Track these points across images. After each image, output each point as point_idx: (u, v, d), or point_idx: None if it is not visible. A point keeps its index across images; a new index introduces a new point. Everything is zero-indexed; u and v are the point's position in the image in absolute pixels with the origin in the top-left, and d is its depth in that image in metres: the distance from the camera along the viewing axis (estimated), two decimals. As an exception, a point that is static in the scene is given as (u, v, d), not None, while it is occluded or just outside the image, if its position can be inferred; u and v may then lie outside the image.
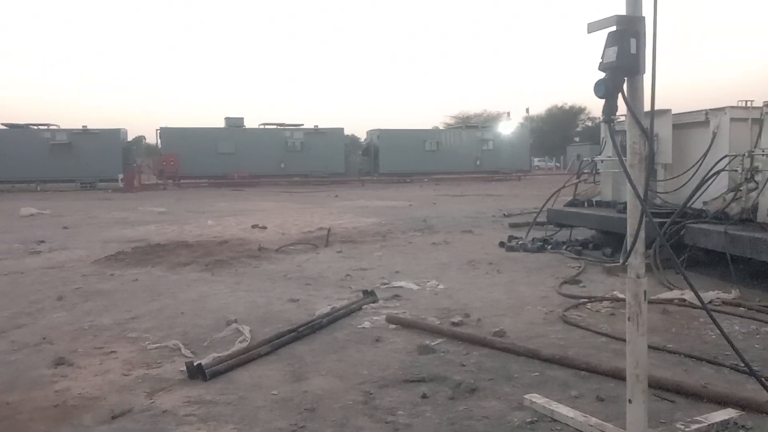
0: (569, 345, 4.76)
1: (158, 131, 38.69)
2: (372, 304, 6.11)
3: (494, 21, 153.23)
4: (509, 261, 8.74)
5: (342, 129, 43.36)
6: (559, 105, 76.28)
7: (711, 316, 2.82)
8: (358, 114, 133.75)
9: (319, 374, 4.24)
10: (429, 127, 53.01)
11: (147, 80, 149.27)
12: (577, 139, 66.37)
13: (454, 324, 5.37)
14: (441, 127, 56.44)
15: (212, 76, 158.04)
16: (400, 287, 6.97)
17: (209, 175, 38.05)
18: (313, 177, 39.48)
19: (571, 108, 74.45)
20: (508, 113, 52.47)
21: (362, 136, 54.48)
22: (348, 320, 5.59)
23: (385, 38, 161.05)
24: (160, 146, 39.16)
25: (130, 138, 42.09)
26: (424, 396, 3.77)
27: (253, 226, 13.42)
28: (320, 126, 41.79)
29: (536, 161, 62.57)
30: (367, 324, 5.45)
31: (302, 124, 41.82)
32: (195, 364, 4.23)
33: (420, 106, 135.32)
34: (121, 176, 33.99)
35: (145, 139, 56.48)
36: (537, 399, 3.55)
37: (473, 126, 49.56)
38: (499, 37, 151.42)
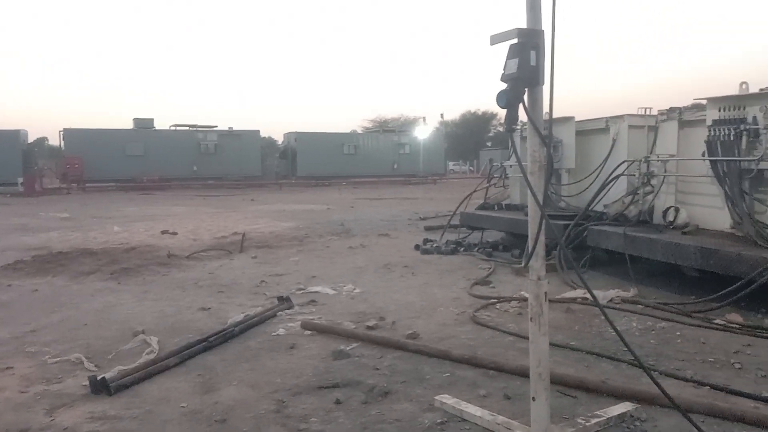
0: (479, 345, 4.91)
1: (61, 132, 36.70)
2: (287, 311, 6.05)
3: (411, 27, 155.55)
4: (424, 263, 8.89)
5: (258, 131, 42.76)
6: (473, 110, 78.33)
7: (605, 314, 2.98)
8: (275, 116, 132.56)
9: (231, 384, 4.16)
10: (347, 130, 53.12)
11: (49, 79, 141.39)
12: (489, 143, 68.37)
13: (369, 328, 5.41)
14: (359, 131, 56.67)
15: (120, 75, 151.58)
16: (317, 292, 6.94)
17: (117, 179, 36.46)
18: (228, 180, 38.62)
19: (484, 114, 76.57)
20: (424, 118, 53.22)
21: (279, 139, 53.96)
22: (262, 328, 5.51)
23: (303, 40, 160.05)
24: (63, 148, 37.15)
25: (31, 139, 39.77)
26: (337, 402, 3.78)
27: (163, 232, 12.98)
28: (235, 128, 41.00)
29: (451, 165, 63.94)
30: (281, 331, 5.39)
31: (216, 126, 40.89)
32: (98, 378, 4.05)
33: (338, 110, 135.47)
34: (21, 180, 31.96)
35: (47, 140, 53.54)
36: (447, 400, 3.63)
37: (390, 130, 50.13)
38: (415, 42, 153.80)
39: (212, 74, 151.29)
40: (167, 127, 40.46)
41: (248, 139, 40.98)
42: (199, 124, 40.90)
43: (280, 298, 6.29)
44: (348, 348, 4.82)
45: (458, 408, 3.52)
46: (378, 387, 3.97)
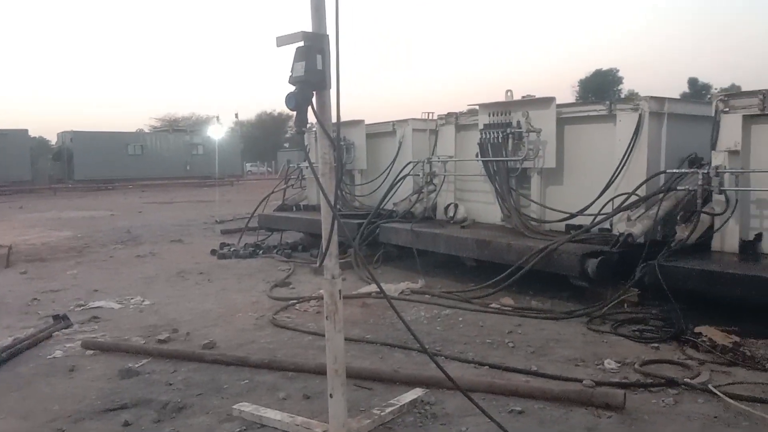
0: (278, 347, 4.89)
1: None
2: (65, 330, 5.48)
3: (200, 23, 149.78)
4: (221, 269, 8.62)
5: (26, 130, 38.25)
6: (269, 111, 77.92)
7: (393, 306, 3.16)
8: (47, 114, 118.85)
9: (-3, 418, 3.66)
10: (132, 129, 49.65)
11: None
12: (287, 144, 68.60)
13: (160, 341, 5.10)
14: (146, 130, 53.32)
15: None
16: (100, 307, 6.39)
17: None
18: (-9, 186, 33.91)
19: (280, 114, 76.58)
20: (218, 117, 51.89)
21: (53, 139, 48.81)
22: (35, 351, 4.93)
23: (80, 31, 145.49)
24: None
25: None
26: (126, 424, 3.50)
27: None
28: (-3, 127, 36.16)
29: (248, 166, 63.03)
30: (58, 353, 4.86)
31: (-28, 125, 35.72)
32: None
33: (121, 108, 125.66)
34: None
35: None
36: (246, 407, 3.55)
37: (181, 129, 48.01)
38: (205, 39, 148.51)
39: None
40: None
41: (14, 139, 36.35)
42: (-50, 122, 35.40)
43: (56, 317, 5.67)
44: (137, 365, 4.50)
45: (257, 414, 3.46)
46: (171, 403, 3.77)
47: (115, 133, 41.09)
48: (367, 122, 10.00)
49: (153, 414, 3.64)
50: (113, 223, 15.67)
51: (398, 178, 8.57)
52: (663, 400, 3.63)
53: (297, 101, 2.93)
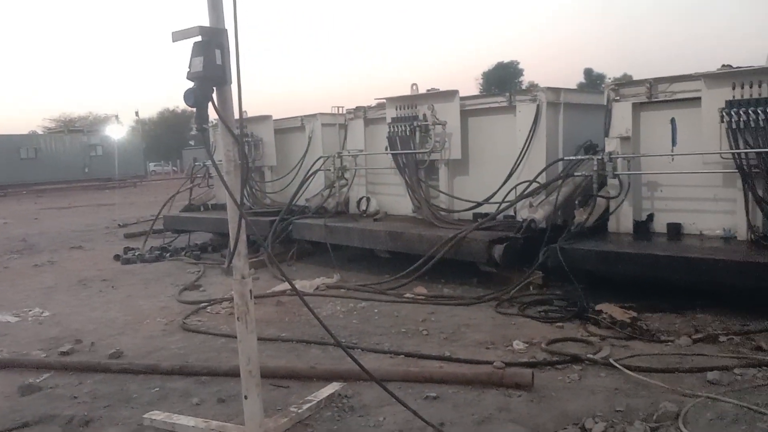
0: (190, 352, 4.75)
1: None
2: (-46, 349, 5.08)
3: (92, 18, 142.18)
4: (126, 274, 8.26)
5: None
6: (171, 108, 75.19)
7: (305, 302, 3.16)
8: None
9: None
10: (24, 131, 46.51)
11: None
12: (192, 142, 66.43)
13: (63, 354, 4.84)
14: (40, 132, 50.13)
15: None
16: (-6, 322, 5.97)
17: None
18: None
19: (184, 112, 73.92)
20: (117, 116, 49.45)
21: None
22: None
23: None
24: None
25: None
26: (27, 443, 3.31)
27: None
28: None
29: (152, 166, 60.62)
30: (-52, 375, 4.51)
31: None
32: None
33: (10, 109, 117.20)
34: None
35: None
36: (157, 416, 3.43)
37: (78, 130, 45.42)
38: (100, 35, 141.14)
39: None
40: None
41: None
42: None
43: (-56, 336, 5.26)
44: (38, 380, 4.25)
45: (170, 422, 3.35)
46: (78, 417, 3.59)
47: (4, 136, 38.32)
48: (275, 117, 9.85)
49: (58, 430, 3.46)
50: (7, 231, 14.65)
51: (309, 173, 8.52)
52: (568, 377, 3.82)
53: (196, 97, 2.85)
